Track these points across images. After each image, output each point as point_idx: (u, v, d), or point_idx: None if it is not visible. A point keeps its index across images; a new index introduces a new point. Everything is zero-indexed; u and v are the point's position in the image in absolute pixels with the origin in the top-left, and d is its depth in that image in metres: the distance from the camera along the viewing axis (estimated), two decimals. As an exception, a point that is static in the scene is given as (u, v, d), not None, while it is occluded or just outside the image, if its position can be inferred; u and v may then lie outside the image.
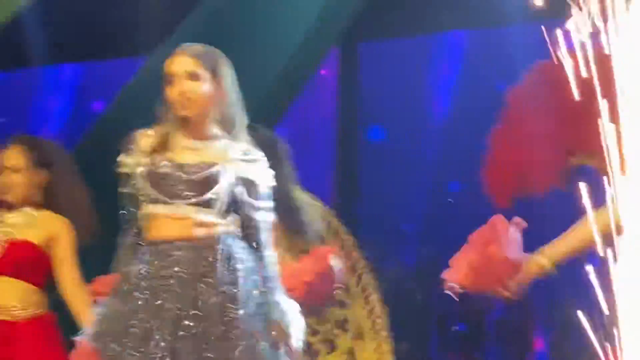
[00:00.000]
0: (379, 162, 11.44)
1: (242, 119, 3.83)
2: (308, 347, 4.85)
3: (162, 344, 3.48)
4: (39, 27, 9.51)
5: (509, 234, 3.99)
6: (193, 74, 3.67)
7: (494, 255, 3.83)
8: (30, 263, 4.71)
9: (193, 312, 3.55)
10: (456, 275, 3.85)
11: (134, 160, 3.72)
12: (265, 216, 3.78)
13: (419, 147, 11.64)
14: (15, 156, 4.76)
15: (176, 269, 3.60)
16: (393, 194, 11.54)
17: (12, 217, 4.72)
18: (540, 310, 10.30)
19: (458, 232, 4.25)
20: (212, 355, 3.51)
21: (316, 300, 4.65)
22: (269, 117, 6.95)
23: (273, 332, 3.69)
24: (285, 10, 7.90)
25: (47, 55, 10.04)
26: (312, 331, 5.17)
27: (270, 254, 3.79)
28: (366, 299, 5.93)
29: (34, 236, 4.67)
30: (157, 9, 8.57)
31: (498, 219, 3.92)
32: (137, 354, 3.49)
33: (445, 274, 3.88)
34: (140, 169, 3.69)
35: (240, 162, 3.72)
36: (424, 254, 10.90)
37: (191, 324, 3.54)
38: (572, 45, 3.77)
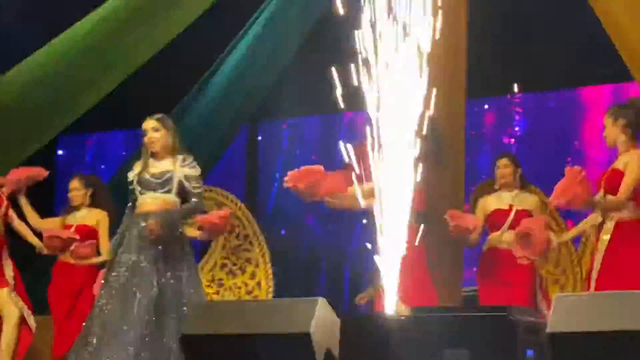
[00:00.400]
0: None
1: (180, 147, 6.81)
2: (230, 271, 9.68)
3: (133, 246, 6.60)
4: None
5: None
6: (155, 128, 6.69)
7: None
8: (87, 236, 8.40)
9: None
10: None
11: (132, 174, 6.76)
12: (196, 193, 6.76)
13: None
14: (75, 185, 8.68)
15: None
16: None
17: (79, 213, 8.57)
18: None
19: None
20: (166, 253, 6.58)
21: (217, 232, 8.56)
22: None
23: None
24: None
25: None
26: (232, 263, 9.62)
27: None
28: (262, 249, 9.62)
29: (89, 221, 8.52)
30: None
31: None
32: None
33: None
34: (135, 178, 6.74)
35: (181, 167, 6.68)
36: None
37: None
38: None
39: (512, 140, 12.14)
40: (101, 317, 6.50)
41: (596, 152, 10.98)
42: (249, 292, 9.17)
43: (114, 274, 6.63)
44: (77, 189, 8.64)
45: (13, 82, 10.57)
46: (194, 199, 6.65)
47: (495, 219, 7.88)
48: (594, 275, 6.72)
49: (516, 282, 7.66)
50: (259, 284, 9.18)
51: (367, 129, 5.97)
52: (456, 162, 8.21)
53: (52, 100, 10.60)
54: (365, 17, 5.94)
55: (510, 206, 7.82)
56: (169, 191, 6.62)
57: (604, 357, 4.63)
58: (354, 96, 5.91)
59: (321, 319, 5.14)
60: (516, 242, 7.57)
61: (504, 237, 7.71)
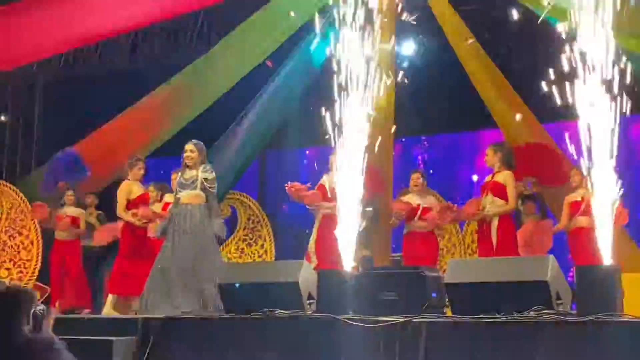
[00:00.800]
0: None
1: (205, 160, 7.05)
2: (249, 244, 9.89)
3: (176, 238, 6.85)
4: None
5: None
6: (191, 150, 6.95)
7: None
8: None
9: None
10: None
11: (174, 177, 7.30)
12: (210, 191, 6.94)
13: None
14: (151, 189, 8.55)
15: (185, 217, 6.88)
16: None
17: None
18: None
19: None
20: (198, 250, 6.81)
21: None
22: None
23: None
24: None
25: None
26: (249, 238, 9.90)
27: (215, 204, 7.16)
28: (268, 230, 9.92)
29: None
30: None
31: None
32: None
33: None
34: (177, 181, 7.03)
35: (203, 172, 6.92)
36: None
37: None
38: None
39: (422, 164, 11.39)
40: (159, 273, 6.81)
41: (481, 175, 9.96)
42: (260, 257, 9.50)
43: (166, 243, 6.90)
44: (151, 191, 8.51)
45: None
46: (209, 195, 6.90)
47: (410, 212, 7.99)
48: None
49: (426, 251, 7.90)
50: (266, 252, 9.51)
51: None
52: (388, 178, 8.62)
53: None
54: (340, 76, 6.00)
55: (418, 205, 7.95)
56: (195, 188, 6.83)
57: (480, 298, 4.83)
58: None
59: (304, 273, 5.43)
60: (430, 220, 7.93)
61: (417, 224, 7.95)
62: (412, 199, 8.07)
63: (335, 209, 6.26)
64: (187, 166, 6.97)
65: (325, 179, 7.51)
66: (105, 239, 9.01)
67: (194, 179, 6.89)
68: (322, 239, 7.32)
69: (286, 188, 7.51)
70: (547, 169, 7.42)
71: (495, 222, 7.22)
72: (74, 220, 9.03)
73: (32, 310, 3.17)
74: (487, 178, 7.46)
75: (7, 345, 3.09)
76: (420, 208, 7.92)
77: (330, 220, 6.98)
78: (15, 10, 9.26)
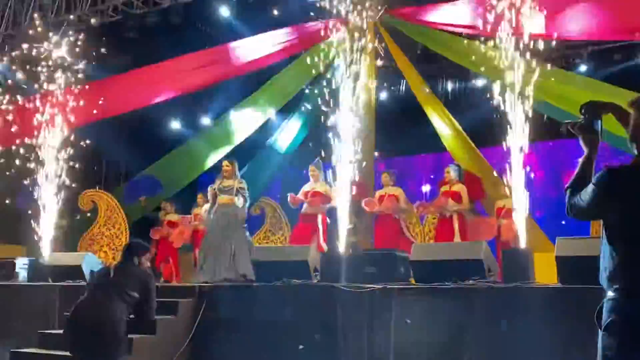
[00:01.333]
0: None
1: (237, 174, 6.66)
2: (273, 233, 9.34)
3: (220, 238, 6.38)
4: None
5: None
6: (227, 165, 6.64)
7: None
8: None
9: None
10: None
11: (215, 186, 6.72)
12: (244, 197, 6.54)
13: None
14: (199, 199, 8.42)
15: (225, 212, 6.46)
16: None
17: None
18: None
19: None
20: (233, 234, 6.42)
21: None
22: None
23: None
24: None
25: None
26: (273, 230, 9.32)
27: (244, 204, 6.61)
28: (287, 224, 9.17)
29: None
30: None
31: None
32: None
33: None
34: (216, 187, 6.63)
35: (238, 182, 6.55)
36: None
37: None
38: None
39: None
40: (206, 252, 6.49)
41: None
42: (281, 243, 9.14)
43: (209, 232, 6.65)
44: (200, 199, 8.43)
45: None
46: (241, 199, 6.53)
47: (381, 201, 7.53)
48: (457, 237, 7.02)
49: (398, 239, 7.43)
50: (285, 239, 9.11)
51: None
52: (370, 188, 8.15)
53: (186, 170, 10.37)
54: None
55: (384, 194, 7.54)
56: (230, 193, 6.52)
57: (435, 271, 4.73)
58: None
59: (311, 254, 5.43)
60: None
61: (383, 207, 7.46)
62: (386, 190, 7.70)
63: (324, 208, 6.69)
64: (225, 177, 6.67)
65: (317, 187, 7.36)
66: (183, 241, 8.73)
67: (231, 186, 6.58)
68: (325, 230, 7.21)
69: (288, 197, 7.40)
70: (471, 190, 7.45)
71: (455, 217, 7.18)
72: (175, 225, 8.86)
73: (147, 255, 4.60)
74: (445, 188, 7.38)
75: (133, 270, 4.42)
76: (386, 196, 7.53)
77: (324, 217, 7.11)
78: (118, 79, 9.72)
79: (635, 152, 2.08)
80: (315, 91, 9.35)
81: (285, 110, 10.87)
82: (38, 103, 8.20)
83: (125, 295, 4.26)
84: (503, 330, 4.12)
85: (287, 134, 10.98)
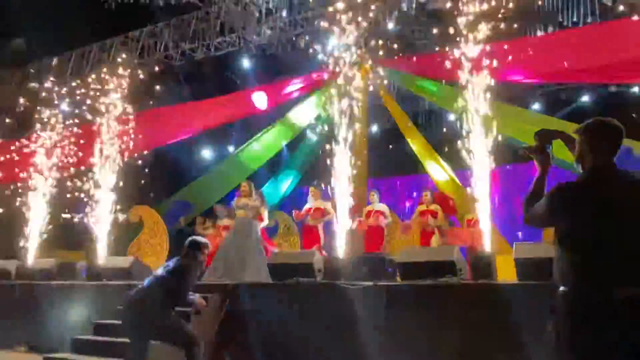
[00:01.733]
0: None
1: (256, 192, 6.45)
2: (286, 240, 9.04)
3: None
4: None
5: None
6: (245, 186, 6.46)
7: None
8: None
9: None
10: None
11: (234, 203, 6.45)
12: (266, 208, 6.48)
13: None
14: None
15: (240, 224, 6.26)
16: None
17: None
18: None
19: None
20: (247, 241, 6.14)
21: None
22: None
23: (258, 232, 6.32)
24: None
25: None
26: (286, 237, 9.03)
27: (266, 215, 6.59)
28: (296, 231, 9.00)
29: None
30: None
31: None
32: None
33: None
34: (235, 204, 6.39)
35: (255, 200, 6.33)
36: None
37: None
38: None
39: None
40: (223, 256, 6.29)
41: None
42: (292, 246, 9.05)
43: (227, 237, 6.52)
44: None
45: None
46: (255, 213, 6.32)
47: (368, 216, 7.41)
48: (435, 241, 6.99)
49: (380, 243, 7.49)
50: (295, 245, 9.03)
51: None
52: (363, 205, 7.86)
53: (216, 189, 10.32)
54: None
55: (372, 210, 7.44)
56: (246, 209, 6.31)
57: (417, 271, 4.60)
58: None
59: (316, 257, 5.21)
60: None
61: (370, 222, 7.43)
62: (373, 206, 7.66)
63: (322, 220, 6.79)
64: (243, 195, 6.47)
65: (318, 204, 7.33)
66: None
67: (246, 203, 6.36)
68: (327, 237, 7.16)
69: (293, 213, 7.37)
70: (444, 207, 7.45)
71: (435, 230, 7.24)
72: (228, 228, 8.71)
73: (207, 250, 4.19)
74: (422, 207, 7.35)
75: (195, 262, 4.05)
76: (373, 212, 7.49)
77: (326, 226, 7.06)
78: (158, 112, 9.75)
79: (581, 170, 2.07)
80: (319, 126, 9.41)
81: (295, 141, 10.84)
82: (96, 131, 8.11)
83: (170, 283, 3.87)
84: (473, 319, 4.05)
85: (296, 160, 11.01)
